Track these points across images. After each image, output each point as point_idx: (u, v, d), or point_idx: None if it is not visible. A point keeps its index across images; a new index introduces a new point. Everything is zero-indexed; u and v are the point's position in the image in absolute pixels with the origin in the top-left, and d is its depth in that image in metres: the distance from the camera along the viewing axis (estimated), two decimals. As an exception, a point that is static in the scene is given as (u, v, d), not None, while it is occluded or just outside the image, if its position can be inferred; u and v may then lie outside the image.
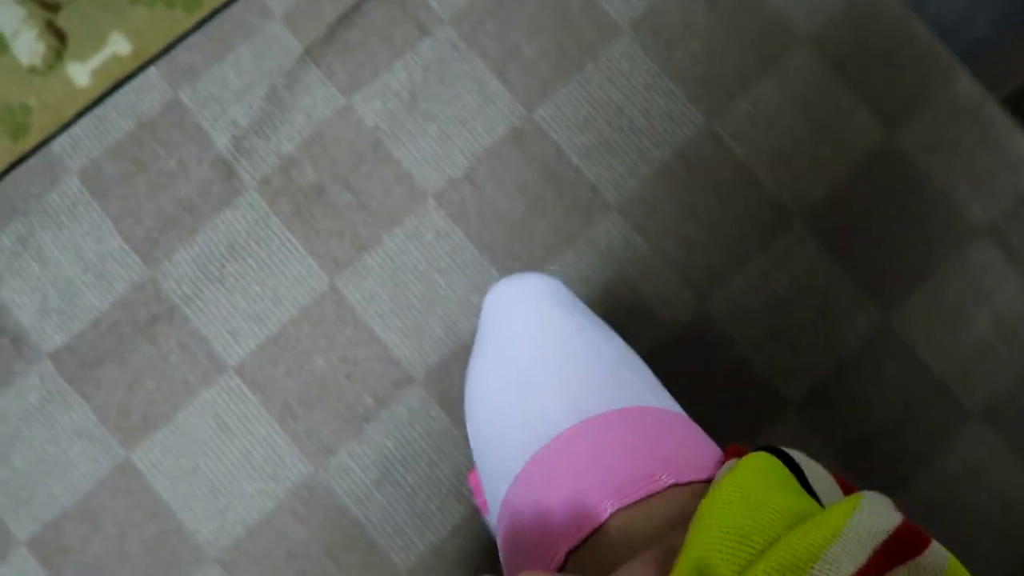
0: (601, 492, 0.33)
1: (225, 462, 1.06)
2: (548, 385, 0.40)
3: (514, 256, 1.06)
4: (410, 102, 1.08)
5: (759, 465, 0.34)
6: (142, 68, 1.10)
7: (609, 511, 0.32)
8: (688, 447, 0.36)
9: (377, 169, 1.08)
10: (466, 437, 1.05)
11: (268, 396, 1.07)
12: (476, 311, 1.06)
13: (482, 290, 1.06)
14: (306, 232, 1.08)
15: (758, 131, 1.07)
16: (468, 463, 1.04)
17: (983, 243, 1.05)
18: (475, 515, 1.03)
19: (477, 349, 0.47)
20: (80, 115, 1.10)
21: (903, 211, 1.06)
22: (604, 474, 0.34)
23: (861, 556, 0.27)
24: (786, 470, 0.36)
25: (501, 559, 0.39)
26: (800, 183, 1.06)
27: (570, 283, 1.06)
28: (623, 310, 1.06)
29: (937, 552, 0.28)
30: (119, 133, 1.09)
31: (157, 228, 1.08)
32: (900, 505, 1.04)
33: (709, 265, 1.06)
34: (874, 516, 0.29)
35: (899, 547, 0.28)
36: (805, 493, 0.36)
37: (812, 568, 0.27)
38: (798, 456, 0.38)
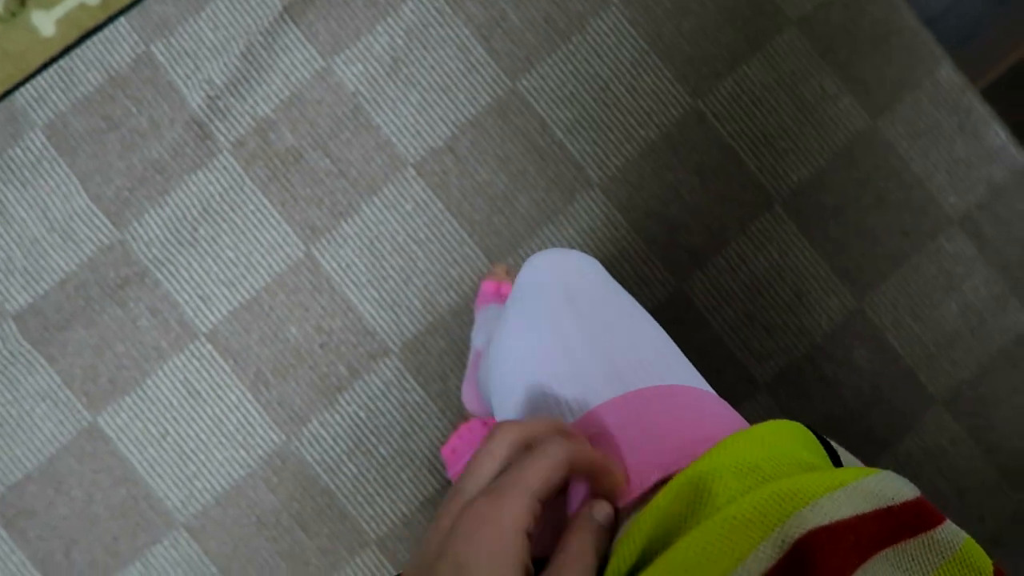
0: (653, 461, 0.34)
1: (195, 429, 1.05)
2: (596, 354, 0.40)
3: (494, 230, 1.05)
4: (392, 67, 1.05)
5: (787, 425, 0.35)
6: (111, 19, 1.06)
7: (655, 479, 0.32)
8: (729, 431, 0.37)
9: (357, 136, 1.05)
10: (441, 410, 1.05)
11: (241, 364, 1.05)
12: (454, 284, 1.05)
13: (460, 264, 1.05)
14: (283, 198, 1.05)
15: (744, 111, 1.06)
16: (442, 436, 1.04)
17: (956, 232, 1.07)
18: (447, 487, 1.04)
19: (518, 310, 0.47)
20: (45, 66, 1.05)
21: (881, 198, 1.06)
22: (656, 444, 0.35)
23: (863, 507, 0.28)
24: (815, 440, 0.37)
25: None
26: (782, 165, 1.06)
27: (550, 259, 1.06)
28: (601, 287, 1.06)
29: (951, 529, 0.29)
30: (87, 87, 1.05)
31: (127, 188, 1.05)
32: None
33: (690, 245, 1.06)
34: (887, 483, 0.30)
35: (911, 518, 0.28)
36: (828, 459, 0.37)
37: (813, 502, 0.27)
38: (836, 445, 0.39)
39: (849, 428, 1.06)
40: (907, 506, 0.29)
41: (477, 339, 0.97)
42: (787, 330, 1.06)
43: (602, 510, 0.31)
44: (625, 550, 0.29)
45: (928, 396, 1.07)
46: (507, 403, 0.44)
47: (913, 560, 0.26)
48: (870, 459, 1.06)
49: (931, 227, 1.06)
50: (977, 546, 0.28)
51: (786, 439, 0.34)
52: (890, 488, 0.29)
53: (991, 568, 0.27)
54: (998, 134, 1.05)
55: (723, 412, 0.38)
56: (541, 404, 0.40)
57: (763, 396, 1.06)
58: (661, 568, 0.27)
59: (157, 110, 1.05)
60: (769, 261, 1.06)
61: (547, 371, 0.41)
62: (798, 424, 0.36)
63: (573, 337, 0.42)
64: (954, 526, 0.29)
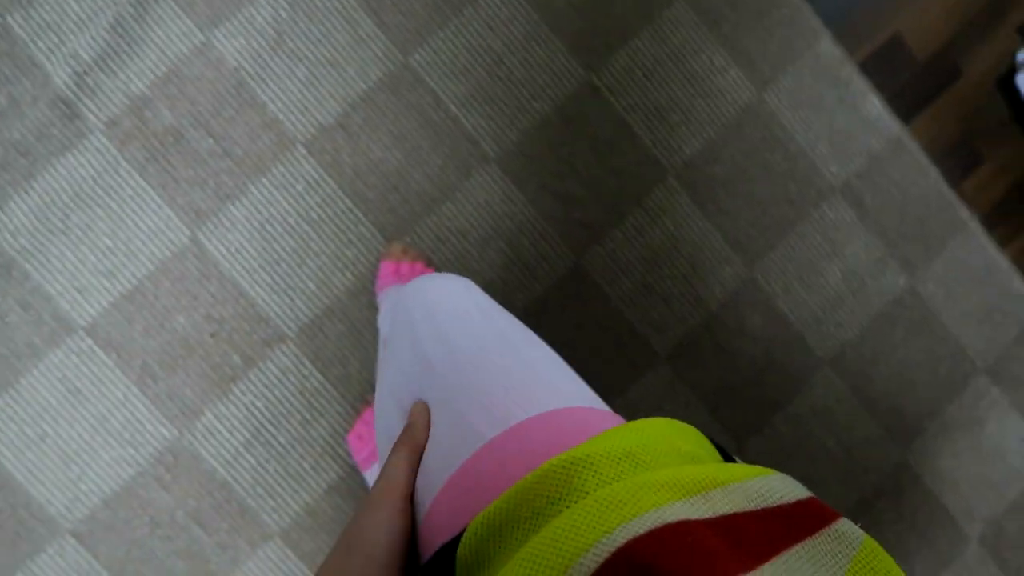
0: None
1: (77, 429, 0.98)
2: (472, 389, 0.40)
3: (390, 208, 1.03)
4: (276, 40, 1.01)
5: (668, 420, 0.35)
6: (-41, -11, 0.97)
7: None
8: None
9: (241, 113, 1.00)
10: (341, 394, 1.02)
11: (124, 357, 0.99)
12: (350, 265, 1.02)
13: (355, 244, 1.02)
14: (163, 180, 1.00)
15: (636, 85, 1.07)
16: (344, 421, 1.02)
17: (838, 201, 1.11)
18: (352, 473, 1.02)
19: (397, 344, 0.47)
20: None
21: (768, 168, 1.10)
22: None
23: (745, 505, 0.28)
24: (701, 436, 0.37)
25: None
26: (675, 138, 1.08)
27: (447, 237, 1.04)
28: (500, 264, 1.05)
29: (849, 524, 0.29)
30: (-66, 63, 0.96)
31: (-14, 173, 0.97)
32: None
33: (586, 220, 1.07)
34: (774, 484, 0.30)
35: (808, 516, 0.28)
36: (716, 455, 0.37)
37: (690, 497, 0.27)
38: (730, 452, 0.39)
39: (744, 393, 1.10)
40: (800, 504, 0.29)
41: (383, 325, 0.94)
42: (684, 300, 1.09)
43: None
44: (479, 519, 0.29)
45: (816, 359, 1.11)
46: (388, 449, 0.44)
47: (825, 554, 0.26)
48: (764, 422, 1.10)
49: (815, 196, 1.11)
50: (876, 544, 0.28)
51: (664, 430, 0.34)
52: (776, 489, 0.29)
53: (895, 565, 0.27)
54: (875, 105, 1.09)
55: (611, 423, 0.38)
56: (443, 427, 0.39)
57: (663, 367, 1.08)
58: (532, 544, 0.27)
59: (17, 87, 0.97)
60: (665, 233, 1.08)
61: (445, 389, 0.41)
62: (683, 423, 0.36)
63: (448, 377, 0.41)
64: (851, 523, 0.29)
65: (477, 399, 0.39)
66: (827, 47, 1.09)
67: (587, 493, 0.29)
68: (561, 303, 1.06)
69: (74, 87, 0.98)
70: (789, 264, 1.10)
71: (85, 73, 0.98)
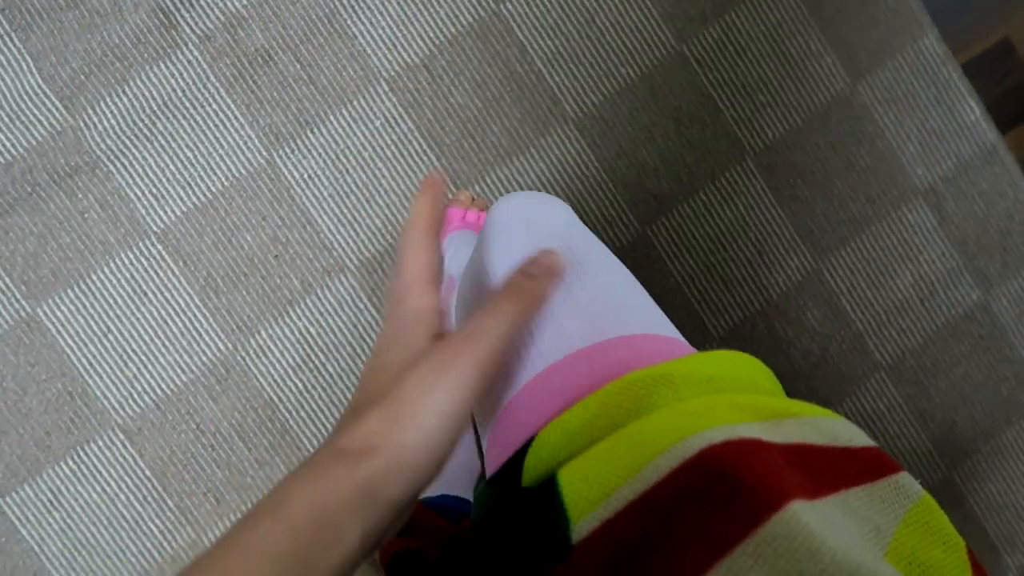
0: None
1: (139, 329, 1.02)
2: (571, 299, 0.39)
3: (463, 155, 1.03)
4: (373, -26, 1.01)
5: (748, 356, 0.35)
6: None
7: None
8: None
9: (330, 42, 1.02)
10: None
11: (190, 267, 1.02)
12: (418, 206, 1.03)
13: (426, 186, 1.03)
14: (247, 100, 1.01)
15: (727, 60, 1.05)
16: (391, 358, 1.03)
17: (919, 204, 1.08)
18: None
19: (492, 247, 0.45)
20: (3, -68, 0.99)
21: (851, 162, 1.07)
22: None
23: (814, 438, 0.28)
24: (775, 378, 0.37)
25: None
26: (758, 119, 1.05)
27: (515, 191, 1.04)
28: (566, 224, 1.05)
29: (910, 479, 0.29)
30: (47, -40, 0.99)
31: (83, 72, 1.00)
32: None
33: (657, 191, 1.05)
34: (841, 427, 0.30)
35: (872, 462, 0.28)
36: (784, 395, 0.37)
37: (765, 421, 0.27)
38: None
39: (794, 386, 1.08)
40: (867, 451, 0.29)
41: (451, 267, 0.95)
42: (745, 284, 1.07)
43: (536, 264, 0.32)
44: (554, 424, 0.29)
45: (873, 362, 1.09)
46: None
47: (884, 500, 0.26)
48: (810, 419, 1.08)
49: (896, 196, 1.07)
50: (933, 501, 0.28)
51: (745, 362, 0.34)
52: (845, 431, 0.29)
53: (950, 525, 0.27)
54: (972, 110, 1.05)
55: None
56: (519, 344, 0.39)
57: (714, 348, 1.07)
58: (607, 441, 0.27)
59: (121, -8, 1.00)
60: (735, 214, 1.06)
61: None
62: (760, 361, 0.36)
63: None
64: (911, 477, 0.29)
65: (574, 308, 0.38)
66: (931, 44, 1.05)
67: (659, 407, 0.29)
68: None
69: (175, -2, 1.00)
70: (859, 262, 1.07)
71: (187, -14, 1.00)
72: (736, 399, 0.29)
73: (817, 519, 0.22)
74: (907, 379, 1.09)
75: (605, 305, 0.39)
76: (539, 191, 0.48)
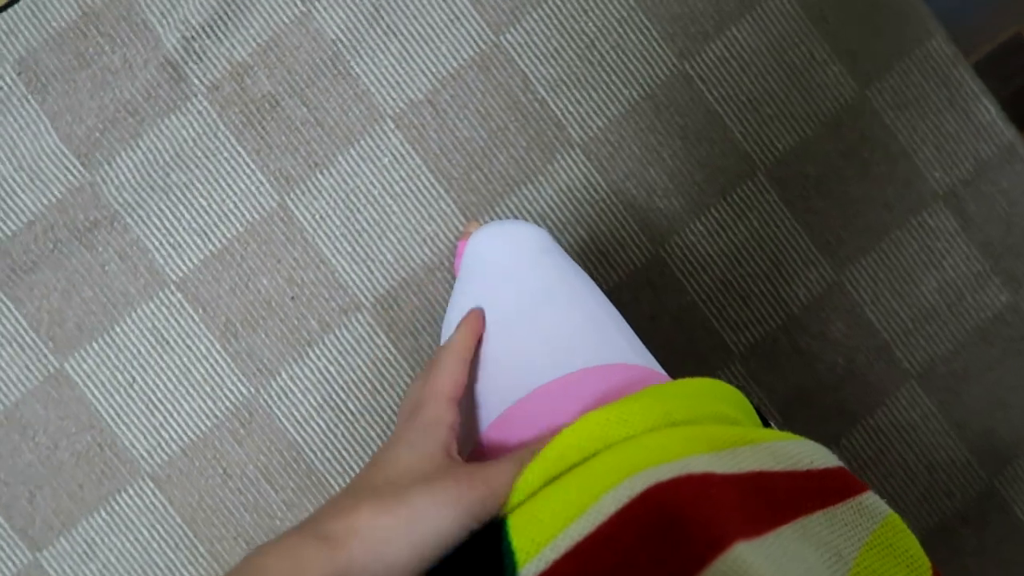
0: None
1: (163, 378, 1.03)
2: (533, 334, 0.39)
3: (472, 187, 1.04)
4: (373, 14, 1.02)
5: (712, 382, 0.35)
6: (86, -46, 1.02)
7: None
8: None
9: (335, 84, 1.03)
10: (412, 366, 1.04)
11: (210, 313, 1.04)
12: (429, 240, 1.04)
13: (435, 219, 1.04)
14: (257, 145, 1.03)
15: (731, 76, 1.04)
16: (412, 393, 1.03)
17: (940, 208, 1.05)
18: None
19: (460, 288, 0.47)
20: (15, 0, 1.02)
21: (866, 170, 1.05)
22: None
23: (771, 465, 0.27)
24: (745, 401, 0.36)
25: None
26: (767, 133, 1.04)
27: (525, 219, 1.04)
28: (578, 250, 1.04)
29: (875, 499, 0.28)
30: (61, 22, 1.02)
31: (98, 129, 1.02)
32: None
33: (669, 210, 1.05)
34: (803, 449, 0.29)
35: (836, 484, 0.28)
36: (758, 421, 0.36)
37: (718, 451, 0.27)
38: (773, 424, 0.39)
39: (822, 401, 1.06)
40: (829, 472, 0.29)
41: None
42: (764, 300, 1.05)
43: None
44: (522, 481, 0.29)
45: (903, 371, 1.06)
46: None
47: (846, 524, 0.26)
48: (841, 432, 1.06)
49: (915, 201, 1.05)
50: (900, 520, 0.28)
51: (704, 390, 0.34)
52: (807, 454, 0.29)
53: (917, 545, 0.27)
54: (988, 109, 1.03)
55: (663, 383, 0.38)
56: (481, 384, 0.40)
57: (736, 365, 1.05)
58: (556, 484, 0.27)
59: (131, 49, 1.02)
60: (749, 229, 1.05)
61: (486, 353, 0.41)
62: (727, 385, 0.36)
63: (513, 316, 0.41)
64: (876, 496, 0.29)
65: (538, 342, 0.39)
66: (939, 45, 1.03)
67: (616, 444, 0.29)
68: (635, 293, 1.04)
69: (182, 51, 1.02)
70: (881, 271, 1.05)
71: (193, 38, 1.02)
72: (691, 431, 0.29)
73: (763, 558, 0.22)
74: (939, 387, 1.06)
75: (571, 337, 0.39)
76: (516, 219, 0.50)
